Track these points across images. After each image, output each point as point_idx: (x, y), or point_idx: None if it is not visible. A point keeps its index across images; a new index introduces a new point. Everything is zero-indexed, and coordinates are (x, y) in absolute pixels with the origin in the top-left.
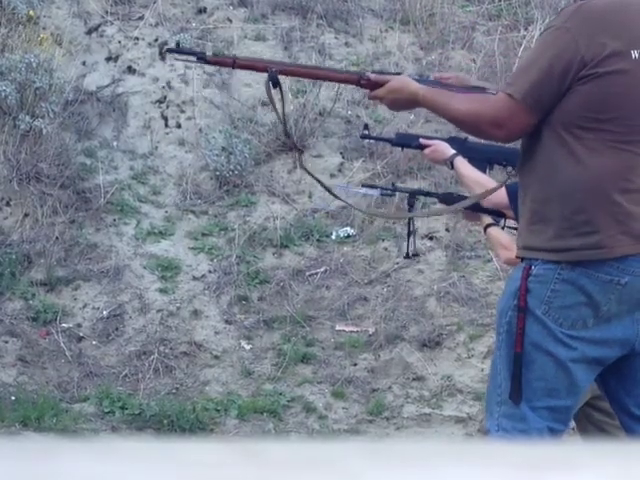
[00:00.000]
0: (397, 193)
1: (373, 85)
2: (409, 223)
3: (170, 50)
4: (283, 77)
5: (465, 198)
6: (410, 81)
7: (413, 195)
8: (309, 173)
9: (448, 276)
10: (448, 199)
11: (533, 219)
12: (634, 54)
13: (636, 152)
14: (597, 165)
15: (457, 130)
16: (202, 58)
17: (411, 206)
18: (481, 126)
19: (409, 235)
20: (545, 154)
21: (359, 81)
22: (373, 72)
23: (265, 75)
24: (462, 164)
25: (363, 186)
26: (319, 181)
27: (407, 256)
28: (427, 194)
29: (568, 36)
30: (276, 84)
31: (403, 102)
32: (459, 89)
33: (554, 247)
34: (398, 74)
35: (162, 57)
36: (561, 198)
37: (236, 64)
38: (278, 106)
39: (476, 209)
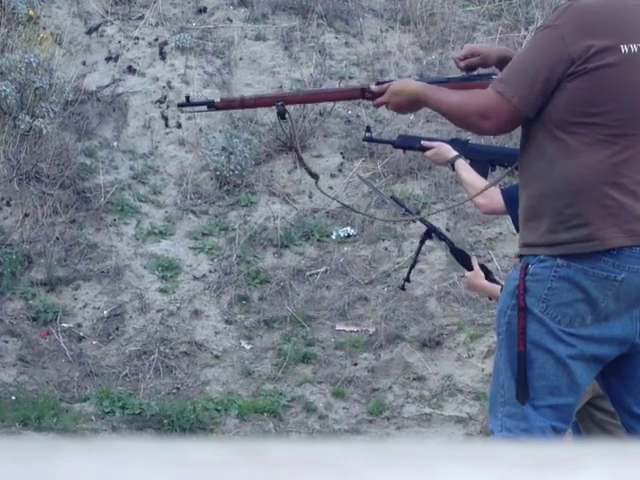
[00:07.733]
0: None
1: (377, 95)
2: (416, 255)
3: (181, 105)
4: (287, 77)
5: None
6: (409, 82)
7: (428, 233)
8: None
9: (448, 276)
10: (458, 254)
11: (528, 216)
12: (623, 48)
13: (628, 145)
14: (588, 159)
15: (457, 131)
16: (212, 105)
17: (422, 242)
18: (469, 117)
19: (413, 265)
20: (539, 151)
21: (363, 95)
22: (377, 83)
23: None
24: (463, 167)
25: (392, 197)
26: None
27: (403, 286)
28: (444, 239)
29: (556, 34)
30: (284, 116)
31: (406, 103)
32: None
33: (547, 242)
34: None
35: (162, 56)
36: (554, 193)
37: (244, 104)
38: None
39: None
